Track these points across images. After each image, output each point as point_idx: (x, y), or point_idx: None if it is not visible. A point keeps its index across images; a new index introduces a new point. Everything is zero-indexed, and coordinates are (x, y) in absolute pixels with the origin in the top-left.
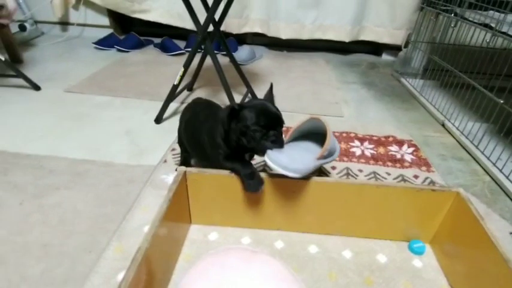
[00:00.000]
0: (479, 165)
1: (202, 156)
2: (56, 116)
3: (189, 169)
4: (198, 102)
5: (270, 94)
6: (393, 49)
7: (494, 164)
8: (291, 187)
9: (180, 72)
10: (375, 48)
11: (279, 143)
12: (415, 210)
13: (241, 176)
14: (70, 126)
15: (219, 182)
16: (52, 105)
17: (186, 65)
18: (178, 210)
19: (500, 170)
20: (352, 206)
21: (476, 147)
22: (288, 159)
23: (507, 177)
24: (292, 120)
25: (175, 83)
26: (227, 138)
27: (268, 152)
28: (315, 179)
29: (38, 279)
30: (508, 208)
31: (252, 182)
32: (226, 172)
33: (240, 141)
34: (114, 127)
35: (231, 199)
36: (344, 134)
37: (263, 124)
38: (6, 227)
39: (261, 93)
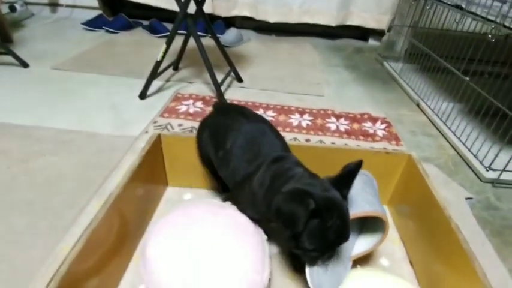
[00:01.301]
0: (447, 140)
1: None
2: (43, 91)
3: (163, 133)
4: (249, 127)
5: (348, 181)
6: (379, 34)
7: (459, 138)
8: None
9: (163, 49)
10: (362, 33)
11: (329, 259)
12: (372, 173)
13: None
14: (56, 101)
15: (195, 145)
16: (39, 81)
17: (169, 42)
18: (153, 171)
19: (464, 143)
20: (313, 168)
21: (445, 123)
22: (326, 281)
23: (469, 150)
24: (273, 99)
25: (158, 59)
26: (273, 215)
27: (312, 271)
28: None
29: (24, 230)
30: (468, 178)
31: None
32: None
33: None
34: (100, 102)
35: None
36: (322, 112)
37: (327, 249)
38: None
39: (244, 74)
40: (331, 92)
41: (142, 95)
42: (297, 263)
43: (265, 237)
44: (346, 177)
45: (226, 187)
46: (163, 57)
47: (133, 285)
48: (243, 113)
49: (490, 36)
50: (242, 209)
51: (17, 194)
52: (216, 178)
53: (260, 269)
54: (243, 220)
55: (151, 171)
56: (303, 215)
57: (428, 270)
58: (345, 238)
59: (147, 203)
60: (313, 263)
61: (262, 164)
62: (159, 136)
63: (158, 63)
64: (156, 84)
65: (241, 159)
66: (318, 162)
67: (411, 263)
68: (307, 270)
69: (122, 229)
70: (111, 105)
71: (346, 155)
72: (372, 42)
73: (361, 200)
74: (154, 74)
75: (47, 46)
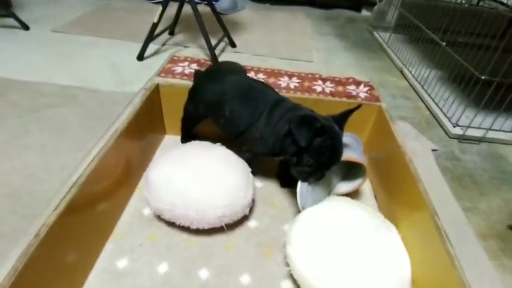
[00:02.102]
0: (423, 103)
1: (226, 130)
2: (44, 52)
3: (161, 82)
4: (238, 77)
5: (344, 118)
6: (372, 5)
7: (433, 100)
8: None
9: (159, 11)
10: (355, 3)
11: (319, 179)
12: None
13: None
14: (58, 61)
15: None
16: (41, 43)
17: (164, 4)
18: (152, 118)
19: (437, 104)
20: None
21: (423, 87)
22: (312, 202)
23: (441, 109)
24: (264, 62)
25: (154, 21)
26: (280, 140)
27: (302, 187)
28: None
29: (38, 167)
30: (438, 134)
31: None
32: None
33: (281, 153)
34: (100, 62)
35: None
36: (309, 75)
37: (321, 166)
38: (8, 133)
39: (238, 40)
40: (320, 58)
41: (140, 57)
42: (279, 195)
43: (250, 169)
44: (343, 116)
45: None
46: (159, 19)
47: (138, 209)
48: (225, 76)
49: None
50: (247, 149)
51: (29, 138)
52: (187, 131)
53: (244, 188)
54: (231, 154)
55: (149, 119)
56: (310, 131)
57: (388, 203)
58: (337, 159)
59: (147, 147)
60: (306, 179)
61: (264, 110)
62: (157, 86)
63: (155, 25)
64: (152, 47)
65: (243, 116)
66: None
67: (375, 197)
68: (299, 190)
69: (124, 164)
70: (111, 65)
71: (324, 106)
72: (364, 13)
73: (350, 150)
74: (151, 36)
75: (46, 10)
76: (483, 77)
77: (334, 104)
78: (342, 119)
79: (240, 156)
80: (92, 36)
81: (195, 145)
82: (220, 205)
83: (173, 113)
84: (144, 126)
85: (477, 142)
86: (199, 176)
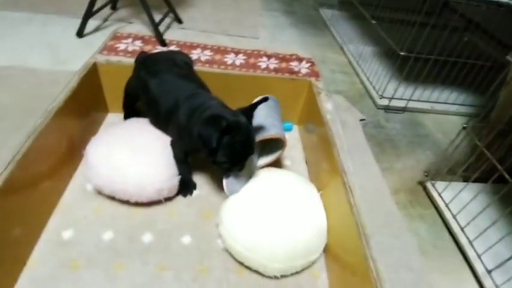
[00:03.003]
0: (358, 77)
1: (156, 121)
2: None
3: (98, 61)
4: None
5: (252, 110)
6: None
7: (365, 74)
8: None
9: None
10: None
11: (240, 170)
12: (283, 97)
13: (182, 182)
14: None
15: (131, 71)
16: None
17: None
18: (92, 96)
19: (368, 78)
20: (227, 94)
21: (358, 63)
22: (239, 186)
23: (371, 83)
24: (211, 39)
25: None
26: (195, 140)
27: (227, 176)
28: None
29: None
30: (367, 106)
31: (184, 191)
32: None
33: (201, 149)
34: (35, 40)
35: None
36: (255, 52)
37: (236, 160)
38: None
39: (185, 16)
40: (266, 34)
41: (79, 33)
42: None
43: None
44: (251, 108)
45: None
46: None
47: (81, 185)
48: (156, 65)
49: None
50: (174, 146)
51: None
52: (127, 107)
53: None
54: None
55: (89, 97)
56: (217, 132)
57: (316, 167)
58: (251, 151)
59: (88, 126)
60: (227, 173)
61: (179, 101)
62: (94, 64)
63: None
64: (94, 23)
65: (163, 103)
66: (231, 89)
67: (306, 163)
68: (224, 181)
69: (65, 142)
70: (48, 43)
71: (257, 82)
72: None
73: (268, 124)
74: (90, 10)
75: None
76: (402, 53)
77: (264, 80)
78: (249, 110)
79: (174, 157)
80: (25, 12)
81: (135, 122)
82: (157, 179)
83: (115, 90)
84: (84, 104)
85: (401, 111)
86: (138, 152)
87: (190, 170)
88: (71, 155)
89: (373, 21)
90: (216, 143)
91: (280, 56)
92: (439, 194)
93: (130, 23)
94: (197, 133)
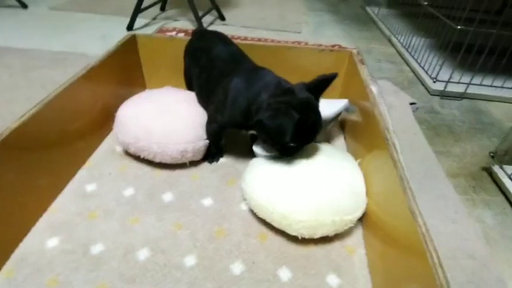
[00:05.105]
0: (408, 66)
1: (203, 98)
2: (41, 26)
3: (138, 33)
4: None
5: (320, 89)
6: None
7: (416, 60)
8: None
9: None
10: None
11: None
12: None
13: (209, 148)
14: (53, 33)
15: (171, 48)
16: (38, 19)
17: None
18: (129, 67)
19: (420, 64)
20: (269, 66)
21: (409, 52)
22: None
23: (423, 67)
24: (252, 33)
25: None
26: (242, 114)
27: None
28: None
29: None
30: (419, 92)
31: (210, 157)
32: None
33: (251, 123)
34: (91, 33)
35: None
36: (296, 43)
37: (306, 142)
38: None
39: (228, 15)
40: (309, 29)
41: (130, 27)
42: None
43: None
44: (320, 85)
45: None
46: None
47: (111, 146)
48: (217, 37)
49: None
50: (212, 116)
51: (17, 92)
52: (187, 84)
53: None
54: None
55: (127, 67)
56: (291, 127)
57: (355, 145)
58: (319, 131)
59: (125, 96)
60: (292, 154)
61: (238, 66)
62: (134, 36)
63: None
64: (143, 21)
65: (219, 64)
66: (273, 60)
67: (345, 138)
68: (254, 148)
69: (100, 107)
70: (101, 35)
71: (297, 52)
72: None
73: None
74: (139, 6)
75: None
76: (458, 27)
77: (303, 50)
78: (317, 89)
79: (207, 130)
80: (87, 13)
81: (170, 89)
82: (182, 140)
83: (154, 66)
84: (120, 73)
85: (459, 98)
86: (165, 112)
87: (221, 141)
88: (105, 119)
89: (425, 3)
90: (291, 138)
91: (322, 47)
92: (510, 178)
93: (176, 20)
94: (262, 123)
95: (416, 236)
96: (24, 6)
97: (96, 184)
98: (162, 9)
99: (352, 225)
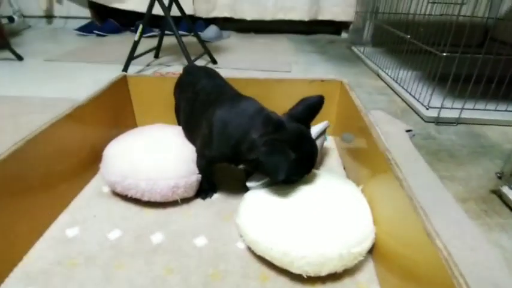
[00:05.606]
0: (399, 96)
1: (188, 132)
2: (35, 76)
3: (129, 74)
4: (211, 78)
5: (310, 116)
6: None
7: (406, 90)
8: None
9: (139, 29)
10: (335, 29)
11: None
12: None
13: (201, 185)
14: (46, 81)
15: (161, 87)
16: (33, 69)
17: (144, 23)
18: (119, 106)
19: (411, 94)
20: (260, 99)
21: (399, 84)
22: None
23: (414, 96)
24: (242, 74)
25: (135, 39)
26: (230, 150)
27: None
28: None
29: None
30: (413, 120)
31: (204, 194)
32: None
33: (242, 158)
34: (84, 80)
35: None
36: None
37: (305, 173)
38: None
39: (220, 59)
40: (299, 68)
41: (125, 69)
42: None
43: None
44: (309, 111)
45: None
46: (140, 37)
47: (98, 187)
48: (205, 72)
49: None
50: (199, 152)
51: (3, 136)
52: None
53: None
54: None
55: (117, 106)
56: (285, 165)
57: (355, 172)
58: (316, 160)
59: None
60: (291, 183)
61: (225, 97)
62: (124, 77)
63: (136, 43)
64: (137, 68)
65: (202, 106)
66: (263, 94)
67: (344, 168)
68: (248, 184)
69: (89, 147)
70: (94, 81)
71: (287, 85)
72: (344, 35)
73: None
74: (133, 52)
75: (42, 46)
76: (444, 54)
77: (294, 83)
78: (306, 119)
79: (197, 165)
80: (82, 62)
81: (158, 125)
82: (173, 175)
83: (144, 104)
84: (110, 113)
85: (454, 123)
86: (153, 147)
87: (213, 175)
88: (93, 159)
89: (409, 37)
90: (286, 175)
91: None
92: None
93: (168, 65)
94: (259, 160)
95: (439, 262)
96: (19, 58)
97: (79, 228)
98: (156, 56)
99: (362, 258)
